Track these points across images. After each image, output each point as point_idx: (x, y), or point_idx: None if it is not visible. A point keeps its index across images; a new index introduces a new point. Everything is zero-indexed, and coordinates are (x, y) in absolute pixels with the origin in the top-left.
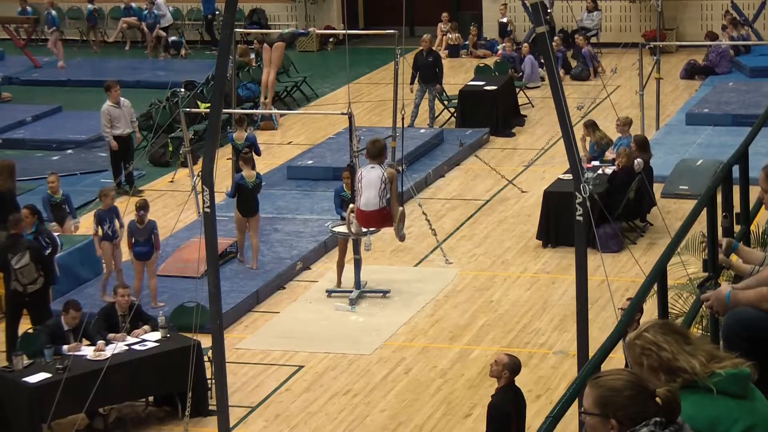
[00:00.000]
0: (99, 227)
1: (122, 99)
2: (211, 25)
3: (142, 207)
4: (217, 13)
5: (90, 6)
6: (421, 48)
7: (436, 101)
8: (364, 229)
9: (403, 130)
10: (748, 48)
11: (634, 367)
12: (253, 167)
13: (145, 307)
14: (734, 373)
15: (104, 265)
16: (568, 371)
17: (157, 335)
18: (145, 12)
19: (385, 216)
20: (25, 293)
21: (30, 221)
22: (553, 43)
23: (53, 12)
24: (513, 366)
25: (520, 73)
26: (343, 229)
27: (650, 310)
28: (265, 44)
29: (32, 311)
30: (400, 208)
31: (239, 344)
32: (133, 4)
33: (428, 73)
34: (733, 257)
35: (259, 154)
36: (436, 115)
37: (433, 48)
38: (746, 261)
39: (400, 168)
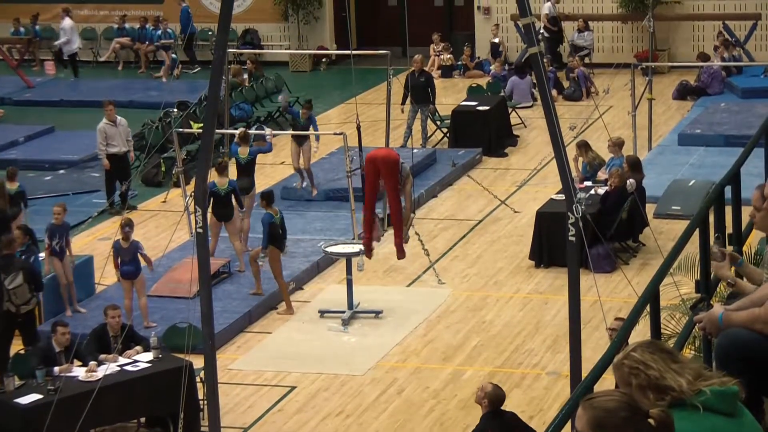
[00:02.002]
0: (49, 242)
1: (118, 118)
2: (191, 45)
3: (127, 224)
4: (210, 33)
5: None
6: (412, 69)
7: (429, 121)
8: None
9: (412, 151)
10: (739, 69)
11: (623, 388)
12: (252, 183)
13: (137, 327)
14: (721, 391)
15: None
16: (560, 392)
17: (149, 356)
18: (159, 32)
19: (394, 159)
20: (18, 314)
21: (21, 242)
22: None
23: None
24: (493, 397)
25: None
26: (336, 249)
27: (643, 330)
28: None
29: (24, 332)
30: (412, 215)
31: (232, 365)
32: (127, 25)
33: (420, 93)
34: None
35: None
36: (428, 135)
37: (426, 69)
38: (749, 280)
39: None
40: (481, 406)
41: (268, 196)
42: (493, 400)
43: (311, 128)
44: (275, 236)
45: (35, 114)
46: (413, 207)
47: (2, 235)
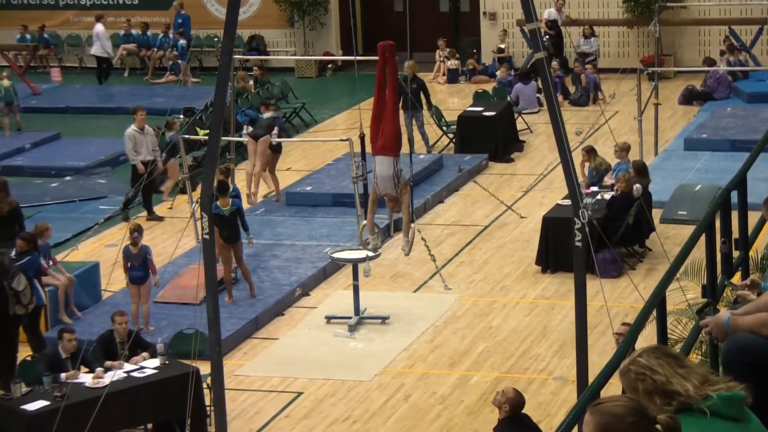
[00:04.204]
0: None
1: (146, 126)
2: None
3: (136, 230)
4: (216, 39)
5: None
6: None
7: (434, 126)
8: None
9: (411, 156)
10: (746, 73)
11: (630, 393)
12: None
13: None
14: (728, 396)
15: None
16: (567, 397)
17: (155, 362)
18: (161, 37)
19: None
20: (26, 314)
21: (24, 249)
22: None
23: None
24: (515, 402)
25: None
26: (342, 255)
27: (649, 335)
28: (250, 138)
29: (31, 330)
30: (412, 225)
31: (238, 371)
32: (134, 31)
33: (413, 99)
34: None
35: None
36: (434, 140)
37: (418, 75)
38: None
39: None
40: (499, 409)
41: (219, 186)
42: (514, 405)
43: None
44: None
45: (42, 121)
46: (412, 217)
47: (6, 232)
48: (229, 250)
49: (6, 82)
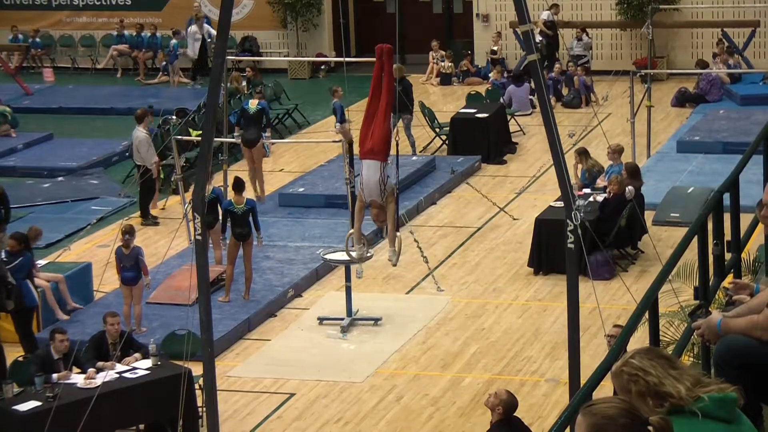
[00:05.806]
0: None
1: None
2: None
3: (128, 232)
4: (209, 40)
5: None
6: None
7: (427, 128)
8: (365, 254)
9: (398, 160)
10: (738, 76)
11: (622, 395)
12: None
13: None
14: (720, 398)
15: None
16: (559, 399)
17: (147, 363)
18: (148, 37)
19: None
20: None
21: (14, 249)
22: (554, 71)
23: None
24: (508, 404)
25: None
26: (335, 256)
27: (641, 337)
28: (243, 146)
29: (23, 333)
30: (398, 233)
31: (230, 372)
32: (126, 32)
33: (399, 102)
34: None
35: (270, 123)
36: (427, 142)
37: (406, 76)
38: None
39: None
40: (493, 412)
41: (235, 183)
42: (508, 407)
43: (264, 119)
44: (230, 222)
45: (34, 121)
46: (397, 226)
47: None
48: (238, 248)
49: (8, 108)
